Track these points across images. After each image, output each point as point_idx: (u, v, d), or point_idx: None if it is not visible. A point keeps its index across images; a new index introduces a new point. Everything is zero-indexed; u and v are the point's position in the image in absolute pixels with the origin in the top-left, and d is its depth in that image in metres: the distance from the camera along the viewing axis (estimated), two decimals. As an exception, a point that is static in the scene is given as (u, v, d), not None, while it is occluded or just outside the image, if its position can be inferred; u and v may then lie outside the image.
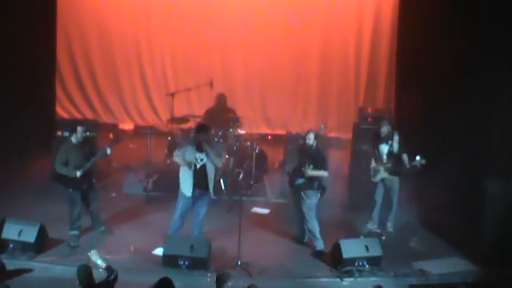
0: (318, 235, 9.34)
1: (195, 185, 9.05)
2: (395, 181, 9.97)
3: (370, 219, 10.13)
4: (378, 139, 10.02)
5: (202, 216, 9.27)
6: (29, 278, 8.28)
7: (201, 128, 9.21)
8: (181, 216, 9.21)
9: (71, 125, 10.11)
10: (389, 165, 9.86)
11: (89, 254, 6.96)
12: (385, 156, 9.91)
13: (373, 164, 10.04)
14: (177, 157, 9.13)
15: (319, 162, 9.19)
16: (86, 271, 6.60)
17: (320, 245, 9.35)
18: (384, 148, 9.93)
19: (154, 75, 14.30)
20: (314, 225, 9.32)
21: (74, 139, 9.05)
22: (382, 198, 10.07)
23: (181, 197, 9.16)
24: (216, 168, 9.27)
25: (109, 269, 6.75)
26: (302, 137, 11.42)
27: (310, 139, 9.24)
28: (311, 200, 9.26)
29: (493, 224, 9.11)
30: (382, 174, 9.93)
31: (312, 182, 9.21)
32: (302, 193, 9.26)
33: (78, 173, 8.96)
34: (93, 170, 9.35)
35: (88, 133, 9.41)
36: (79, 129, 9.04)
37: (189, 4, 13.86)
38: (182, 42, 14.02)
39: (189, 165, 8.98)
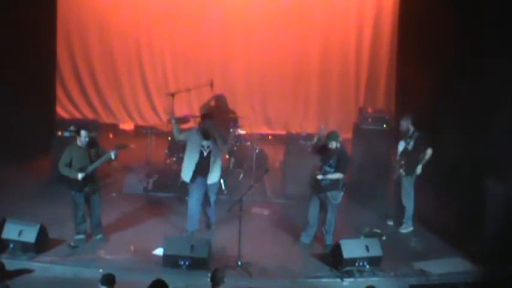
0: (332, 231, 9.48)
1: (196, 172, 9.36)
2: (406, 181, 10.00)
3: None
4: (399, 136, 10.12)
5: (215, 199, 9.71)
6: (29, 278, 8.29)
7: (206, 116, 9.62)
8: (198, 202, 9.50)
9: (74, 125, 10.15)
10: (402, 162, 9.89)
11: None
12: (399, 154, 9.97)
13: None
14: (180, 136, 9.62)
15: (343, 164, 9.24)
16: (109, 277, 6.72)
17: (330, 239, 9.45)
18: (401, 145, 10.00)
19: (154, 75, 14.30)
20: (333, 224, 9.47)
21: (79, 142, 8.96)
22: (398, 197, 10.15)
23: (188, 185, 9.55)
24: (220, 155, 9.63)
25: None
26: (302, 137, 11.52)
27: (332, 144, 9.20)
28: (337, 200, 9.34)
29: (493, 224, 9.11)
30: (398, 171, 9.98)
31: (337, 182, 9.26)
32: (328, 194, 9.29)
33: (80, 176, 8.89)
34: (97, 173, 9.23)
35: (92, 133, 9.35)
36: (83, 133, 8.92)
37: (189, 4, 13.86)
38: (182, 42, 14.01)
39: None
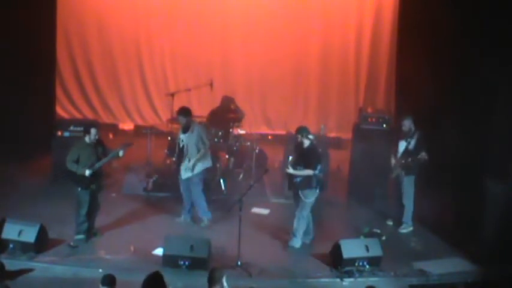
0: (298, 235, 9.34)
1: (180, 164, 9.90)
2: (406, 180, 9.99)
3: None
4: (399, 135, 10.08)
5: (193, 195, 9.85)
6: (29, 278, 8.28)
7: (179, 112, 9.91)
8: (182, 192, 9.97)
9: (82, 124, 10.34)
10: (403, 161, 9.89)
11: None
12: (400, 153, 9.97)
13: (392, 160, 10.13)
14: None
15: (309, 160, 9.15)
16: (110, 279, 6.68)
17: (297, 242, 9.35)
18: (402, 145, 9.99)
19: (154, 75, 14.32)
20: (301, 225, 9.30)
21: (87, 139, 9.06)
22: (398, 197, 10.14)
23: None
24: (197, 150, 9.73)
25: None
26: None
27: (298, 137, 9.28)
28: (308, 199, 9.22)
29: (493, 224, 9.11)
30: (397, 170, 9.98)
31: (310, 180, 9.18)
32: (300, 192, 9.23)
33: (87, 172, 8.96)
34: (103, 172, 9.34)
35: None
36: (93, 130, 9.03)
37: (189, 4, 13.88)
38: (182, 42, 14.03)
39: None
